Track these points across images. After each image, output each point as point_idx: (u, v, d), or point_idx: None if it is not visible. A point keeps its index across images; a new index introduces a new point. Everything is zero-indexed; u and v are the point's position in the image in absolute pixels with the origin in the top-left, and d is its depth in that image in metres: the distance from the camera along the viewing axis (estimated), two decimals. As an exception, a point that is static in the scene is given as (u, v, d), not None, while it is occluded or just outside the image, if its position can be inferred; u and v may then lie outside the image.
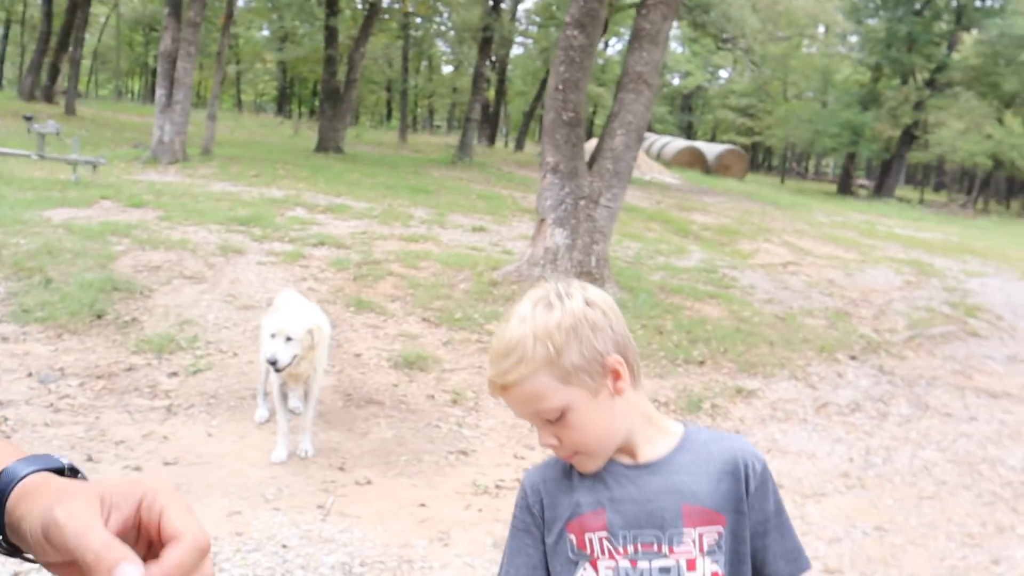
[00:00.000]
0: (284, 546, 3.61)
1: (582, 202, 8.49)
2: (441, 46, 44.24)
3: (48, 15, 30.12)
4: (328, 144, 21.16)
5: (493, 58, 30.58)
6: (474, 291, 8.21)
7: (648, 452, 1.39)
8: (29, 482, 0.78)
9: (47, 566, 0.78)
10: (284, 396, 4.59)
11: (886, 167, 34.05)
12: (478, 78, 24.27)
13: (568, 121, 8.36)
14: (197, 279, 7.55)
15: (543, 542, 1.41)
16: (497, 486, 4.54)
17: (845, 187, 33.98)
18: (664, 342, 7.42)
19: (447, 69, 48.95)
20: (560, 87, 8.31)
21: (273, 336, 4.24)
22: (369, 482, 4.42)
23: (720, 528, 1.35)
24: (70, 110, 23.82)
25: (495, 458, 4.98)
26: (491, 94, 35.58)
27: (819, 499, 4.73)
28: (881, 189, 32.85)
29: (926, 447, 5.75)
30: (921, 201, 34.34)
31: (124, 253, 7.89)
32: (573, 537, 1.36)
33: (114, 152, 16.20)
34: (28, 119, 13.98)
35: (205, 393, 5.40)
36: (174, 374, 5.64)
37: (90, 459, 4.28)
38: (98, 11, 43.44)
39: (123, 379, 5.49)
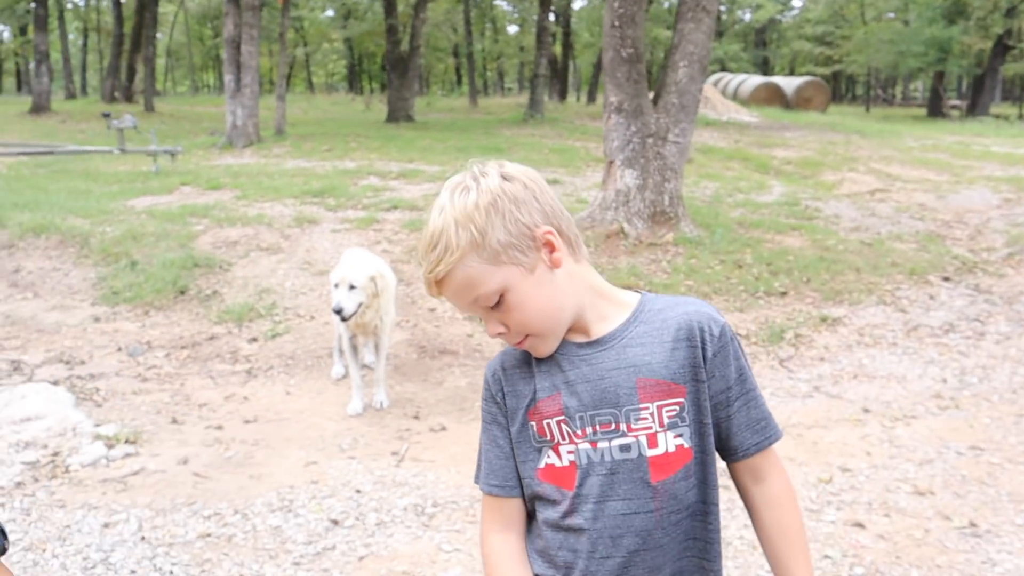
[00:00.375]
0: (358, 491, 3.66)
1: (650, 140, 8.27)
2: (504, 5, 43.81)
3: (119, 18, 31.14)
4: (398, 114, 21.27)
5: (555, 11, 30.09)
6: (546, 241, 8.13)
7: (600, 328, 1.32)
8: None
9: None
10: (355, 349, 4.65)
11: (979, 84, 32.03)
12: (542, 33, 23.89)
13: (628, 58, 8.13)
14: (273, 250, 7.72)
15: (510, 431, 1.36)
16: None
17: (935, 109, 32.14)
18: (743, 275, 7.20)
19: (512, 29, 48.46)
20: (616, 23, 8.08)
21: (336, 286, 4.30)
22: (444, 428, 4.44)
23: (680, 400, 1.28)
24: (148, 107, 24.65)
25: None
26: (558, 49, 35.06)
27: (909, 422, 4.52)
28: (975, 108, 30.94)
29: (1028, 363, 5.42)
30: (1020, 116, 32.27)
31: (203, 232, 8.12)
32: (534, 424, 1.32)
33: (192, 141, 16.70)
34: (106, 116, 14.51)
35: (283, 355, 5.53)
36: (254, 339, 5.80)
37: (175, 421, 4.44)
38: (166, 9, 44.71)
39: (206, 347, 5.67)
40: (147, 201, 9.68)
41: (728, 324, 1.33)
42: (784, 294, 6.87)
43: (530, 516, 1.39)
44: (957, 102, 35.71)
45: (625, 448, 1.27)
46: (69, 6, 42.87)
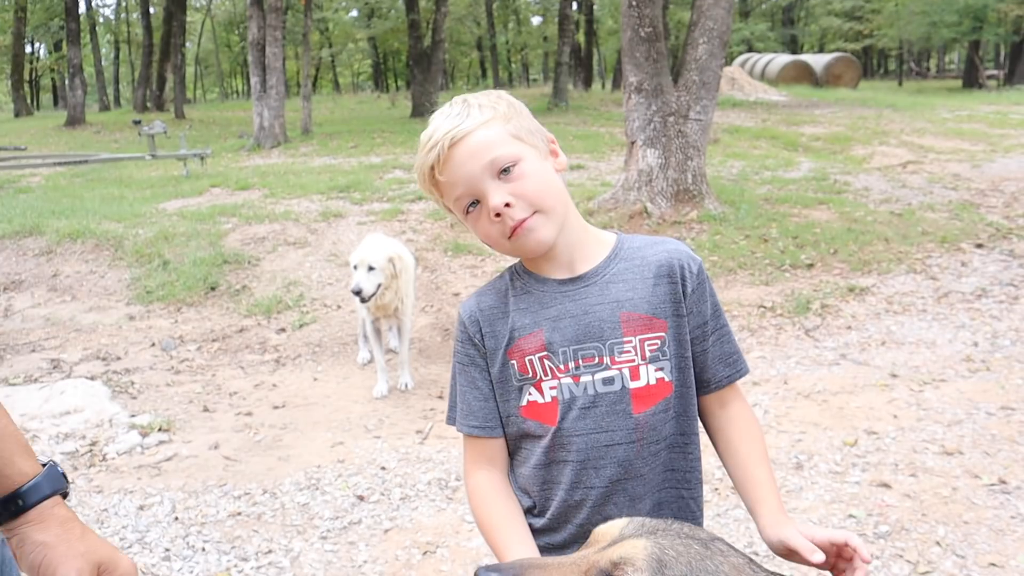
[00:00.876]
0: (383, 468, 3.72)
1: (671, 119, 8.23)
2: (526, -3, 43.70)
3: (148, 29, 31.63)
4: (423, 109, 21.36)
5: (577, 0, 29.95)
6: (569, 225, 8.14)
7: (583, 264, 1.34)
8: (45, 506, 0.92)
9: None
10: (377, 332, 4.71)
11: (1016, 52, 31.22)
12: (564, 21, 23.83)
13: (646, 37, 8.09)
14: (300, 244, 7.82)
15: (489, 372, 1.36)
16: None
17: (971, 80, 31.39)
18: (769, 249, 7.15)
19: (536, 20, 48.36)
20: (633, 3, 8.05)
21: (355, 268, 4.36)
22: (468, 408, 4.49)
23: (662, 334, 1.30)
24: (179, 114, 25.05)
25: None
26: (581, 37, 34.92)
27: (938, 385, 4.46)
28: (1013, 76, 30.16)
29: (1062, 324, 5.32)
30: (1061, 83, 31.43)
31: (232, 230, 8.25)
32: (515, 363, 1.32)
33: (221, 145, 16.94)
34: (137, 123, 14.77)
35: (311, 343, 5.62)
36: (282, 330, 5.89)
37: (206, 409, 4.54)
38: (194, 18, 45.35)
39: (236, 340, 5.77)
40: (178, 203, 9.85)
41: (703, 263, 1.37)
42: (811, 266, 6.81)
43: (511, 454, 1.40)
44: (994, 72, 34.89)
45: (608, 381, 1.28)
46: (100, 20, 43.71)
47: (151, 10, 33.10)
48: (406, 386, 4.72)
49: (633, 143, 8.39)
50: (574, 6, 26.85)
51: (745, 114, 18.70)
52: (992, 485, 3.34)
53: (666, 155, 8.22)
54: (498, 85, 32.29)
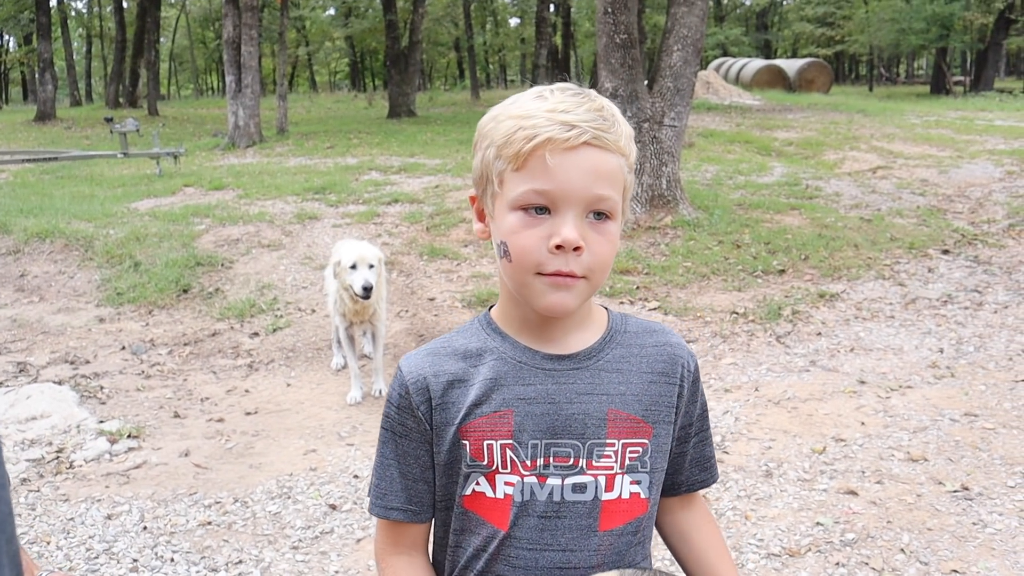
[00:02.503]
0: (356, 476, 3.72)
1: (646, 125, 8.28)
2: (503, -2, 43.72)
3: (121, 23, 31.28)
4: (400, 109, 21.32)
5: (555, 2, 30.03)
6: (545, 228, 8.18)
7: (575, 341, 1.11)
8: None
9: None
10: (351, 339, 4.70)
11: (982, 59, 31.77)
12: (541, 23, 23.93)
13: (621, 43, 8.14)
14: (275, 246, 7.78)
15: (431, 449, 1.12)
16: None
17: (939, 86, 31.91)
18: (741, 255, 7.22)
19: (514, 22, 48.39)
20: (609, 9, 8.09)
21: (355, 267, 4.36)
22: (442, 414, 4.49)
23: (645, 441, 1.10)
24: (152, 111, 24.79)
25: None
26: (558, 40, 35.00)
27: (904, 391, 4.54)
28: (979, 83, 30.69)
29: (1025, 331, 5.43)
30: (1026, 90, 32.04)
31: (205, 231, 8.19)
32: (467, 443, 1.08)
33: (195, 143, 16.79)
34: (108, 121, 14.60)
35: (284, 348, 5.59)
36: (255, 334, 5.86)
37: (177, 415, 4.51)
38: (168, 14, 44.89)
39: (208, 344, 5.73)
40: (150, 203, 9.76)
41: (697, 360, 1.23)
42: (782, 272, 6.89)
43: (438, 541, 1.20)
44: (961, 78, 35.46)
45: (579, 488, 1.07)
46: (72, 13, 43.12)
47: (124, 4, 32.73)
48: (380, 392, 4.71)
49: (608, 148, 8.42)
50: (551, 8, 26.92)
51: (720, 118, 18.84)
52: (955, 492, 3.40)
53: (641, 161, 8.26)
54: (475, 86, 32.24)
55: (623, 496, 1.09)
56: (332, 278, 4.72)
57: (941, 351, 5.16)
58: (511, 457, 1.07)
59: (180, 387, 4.98)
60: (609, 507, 1.08)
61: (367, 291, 4.35)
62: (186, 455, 4.03)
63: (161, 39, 38.32)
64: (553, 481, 1.07)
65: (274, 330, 5.90)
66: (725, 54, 39.16)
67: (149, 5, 27.64)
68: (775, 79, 30.75)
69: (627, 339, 1.14)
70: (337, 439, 4.17)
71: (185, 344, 5.73)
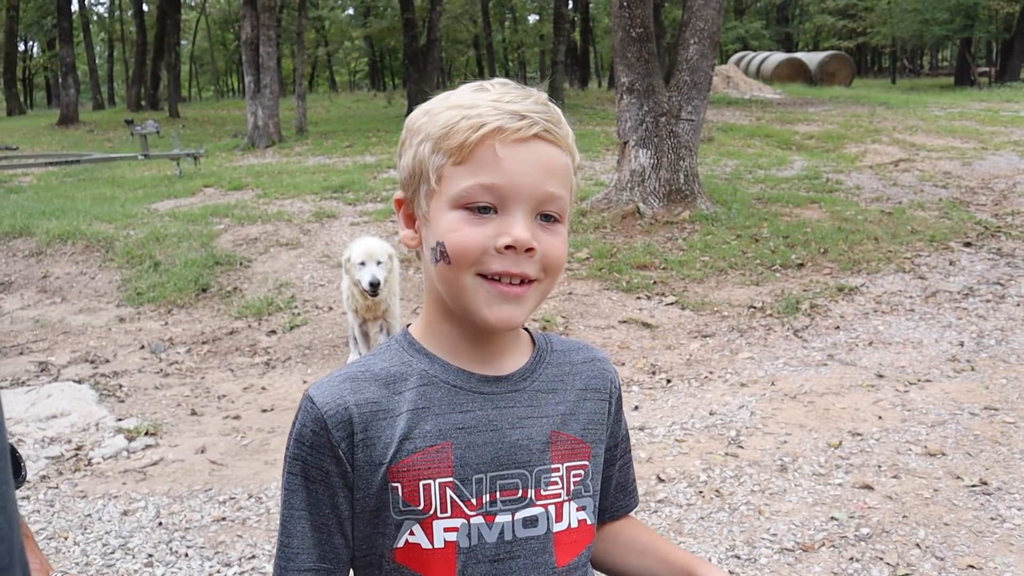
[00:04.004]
0: (369, 471, 3.73)
1: (663, 119, 8.24)
2: (521, -5, 43.68)
3: (142, 27, 31.60)
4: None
5: (573, -2, 29.97)
6: (562, 224, 8.17)
7: (511, 360, 1.01)
8: None
9: None
10: (365, 335, 4.72)
11: (1008, 49, 31.26)
12: (559, 20, 23.83)
13: (637, 37, 8.10)
14: (293, 245, 7.82)
15: (350, 497, 0.97)
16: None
17: (963, 77, 31.44)
18: (760, 249, 7.16)
19: (532, 19, 48.34)
20: (624, 4, 8.05)
21: (364, 264, 4.39)
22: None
23: (586, 462, 1.02)
24: (173, 113, 25.02)
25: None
26: (577, 36, 34.92)
27: (923, 385, 4.48)
28: (1004, 73, 30.17)
29: (1049, 323, 5.34)
30: (1054, 80, 31.51)
31: (224, 231, 8.25)
32: (398, 486, 0.94)
33: (215, 144, 16.93)
34: (129, 123, 14.75)
35: (301, 346, 5.62)
36: (272, 332, 5.90)
37: (194, 413, 4.55)
38: (188, 16, 45.28)
39: (226, 342, 5.78)
40: (170, 204, 9.85)
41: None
42: (801, 266, 6.83)
43: None
44: (986, 69, 34.95)
45: (530, 522, 0.97)
46: (94, 18, 43.61)
47: (145, 8, 33.05)
48: (394, 388, 4.73)
49: (625, 143, 8.40)
50: (570, 4, 26.87)
51: (740, 112, 18.72)
52: (973, 487, 3.36)
53: (658, 155, 8.23)
54: (493, 83, 32.22)
55: (571, 525, 1.00)
56: (346, 275, 4.75)
57: (961, 344, 5.09)
58: (451, 497, 0.94)
59: (198, 385, 5.02)
60: (561, 539, 0.99)
61: (374, 287, 4.38)
62: (202, 452, 4.07)
63: (181, 41, 38.65)
64: (502, 518, 0.95)
65: (291, 328, 5.94)
66: (745, 48, 38.87)
67: (169, 8, 27.90)
68: (796, 72, 30.49)
69: (555, 358, 1.05)
70: (351, 435, 4.20)
71: (203, 343, 5.78)
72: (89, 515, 3.46)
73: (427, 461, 0.94)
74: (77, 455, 4.05)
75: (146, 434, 4.25)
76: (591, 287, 6.49)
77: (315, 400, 0.95)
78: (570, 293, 6.36)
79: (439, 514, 0.94)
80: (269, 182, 10.91)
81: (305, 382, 5.01)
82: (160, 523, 3.38)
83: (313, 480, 0.96)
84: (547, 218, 0.93)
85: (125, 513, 3.46)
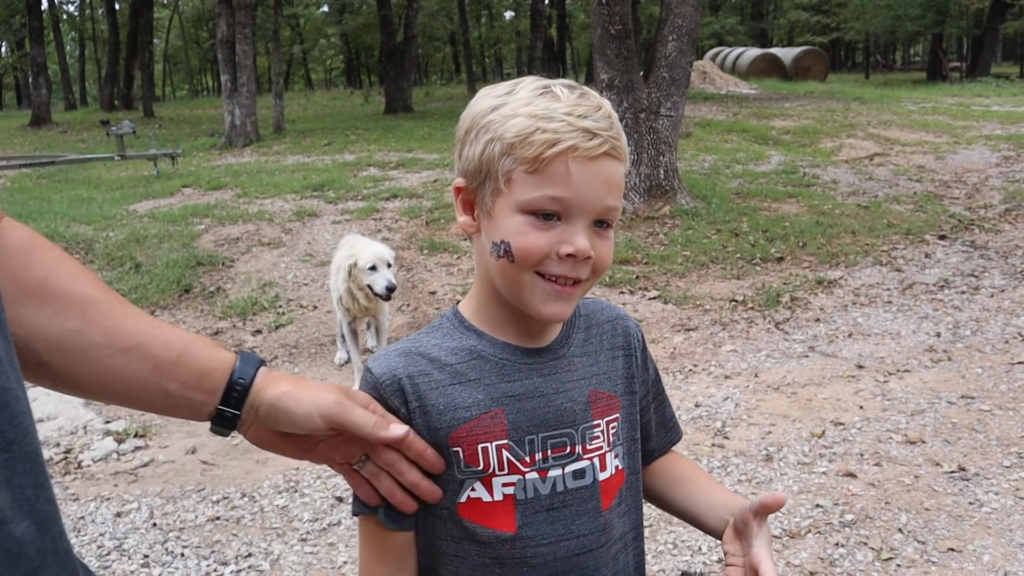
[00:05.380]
0: (361, 468, 3.77)
1: (642, 115, 8.31)
2: (497, -8, 43.70)
3: (114, 25, 31.24)
4: (396, 105, 21.34)
5: (549, -5, 30.01)
6: (544, 220, 8.23)
7: (549, 331, 1.12)
8: (263, 372, 0.93)
9: (284, 444, 0.95)
10: (354, 334, 4.75)
11: (978, 44, 31.74)
12: (536, 16, 23.93)
13: (616, 34, 8.16)
14: (275, 244, 7.82)
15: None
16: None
17: (935, 72, 31.88)
18: (740, 244, 7.26)
19: (509, 15, 48.38)
20: (603, 0, 8.11)
21: (375, 268, 4.42)
22: (444, 407, 4.54)
23: (618, 415, 1.14)
24: (148, 113, 24.79)
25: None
26: (554, 32, 34.99)
27: (902, 375, 4.59)
28: (975, 68, 30.64)
29: (1021, 315, 5.47)
30: (1021, 75, 32.04)
31: (205, 231, 8.22)
32: (459, 451, 1.04)
33: (192, 144, 16.81)
34: (105, 123, 14.61)
35: (287, 345, 5.63)
36: (258, 331, 5.90)
37: (183, 413, 4.55)
38: (161, 14, 44.84)
39: (211, 342, 5.77)
40: (149, 204, 9.79)
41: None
42: (781, 259, 6.93)
43: (432, 553, 1.11)
44: (957, 64, 35.44)
45: (579, 474, 1.08)
46: (64, 17, 43.06)
47: (116, 6, 32.69)
48: (382, 386, 4.76)
49: (604, 140, 8.46)
50: (546, 1, 26.92)
51: (716, 107, 18.86)
52: (952, 473, 3.45)
53: (638, 151, 8.30)
54: (471, 79, 32.24)
55: (611, 472, 1.11)
56: (337, 274, 4.76)
57: (938, 335, 5.21)
58: (507, 457, 1.05)
59: (185, 385, 5.02)
60: (604, 485, 1.10)
61: (390, 291, 4.42)
62: (193, 452, 4.08)
63: (155, 40, 38.28)
64: (554, 472, 1.06)
65: (276, 327, 5.95)
66: (721, 43, 39.14)
67: (142, 6, 27.62)
68: (771, 68, 30.75)
69: (583, 322, 1.16)
70: (342, 433, 4.23)
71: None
72: (82, 517, 3.46)
73: (483, 426, 1.04)
74: (66, 458, 4.05)
75: (135, 436, 4.25)
76: (574, 283, 6.55)
77: (373, 371, 1.07)
78: (554, 289, 6.42)
79: (497, 472, 1.05)
80: (248, 181, 10.86)
81: (293, 381, 5.03)
82: (154, 524, 3.40)
83: None
84: (601, 223, 1.02)
85: (118, 515, 3.47)
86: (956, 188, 9.53)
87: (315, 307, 6.31)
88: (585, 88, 1.04)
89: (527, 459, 1.05)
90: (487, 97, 1.04)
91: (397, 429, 0.87)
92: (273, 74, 18.78)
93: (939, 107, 18.03)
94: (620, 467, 1.13)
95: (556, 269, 1.00)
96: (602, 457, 1.10)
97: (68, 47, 45.99)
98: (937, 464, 3.53)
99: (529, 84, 1.03)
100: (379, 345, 4.88)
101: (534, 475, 1.06)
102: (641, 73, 8.79)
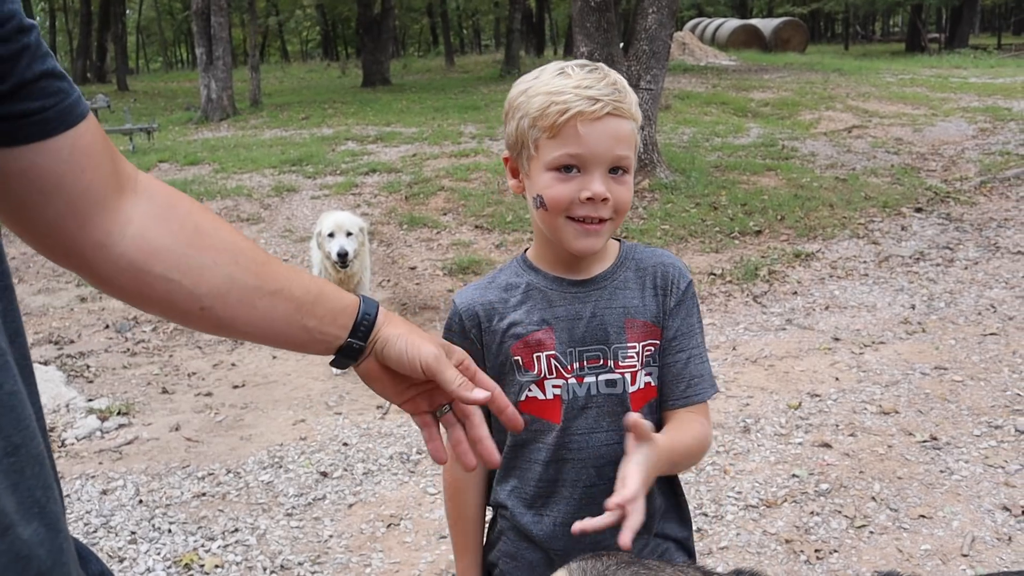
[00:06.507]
0: (345, 444, 3.80)
1: (620, 90, 8.30)
2: (476, -38, 43.11)
3: (87, -6, 30.60)
4: (374, 78, 21.14)
5: (528, -35, 29.69)
6: (523, 196, 8.23)
7: (594, 268, 1.37)
8: (383, 312, 1.01)
9: (385, 382, 1.01)
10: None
11: (957, 15, 31.89)
12: (515, -13, 23.66)
13: (596, 7, 8.13)
14: (254, 220, 7.79)
15: (483, 366, 1.36)
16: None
17: (914, 43, 31.99)
18: (719, 217, 7.31)
19: (486, -14, 47.81)
20: (582, -26, 8.06)
21: (333, 235, 4.44)
22: (427, 382, 4.58)
23: (657, 341, 1.35)
24: (122, 86, 24.43)
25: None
26: (532, 3, 34.67)
27: (877, 347, 4.67)
28: (954, 40, 30.79)
29: (993, 287, 5.57)
30: (999, 46, 32.20)
31: (184, 207, 8.16)
32: (519, 359, 1.34)
33: (167, 118, 16.60)
34: (80, 96, 14.36)
35: (268, 322, 5.63)
36: (239, 309, 5.89)
37: (165, 391, 4.56)
38: (136, -17, 43.90)
39: (192, 319, 5.76)
40: (126, 180, 9.68)
41: (693, 282, 1.41)
42: (759, 233, 6.99)
43: (500, 447, 1.32)
44: (936, 35, 35.54)
45: (611, 383, 1.33)
46: (34, -13, 42.10)
47: (88, -23, 32.00)
48: (365, 362, 4.78)
49: (585, 113, 8.45)
50: (524, -29, 26.60)
51: (696, 79, 18.83)
52: (924, 442, 3.54)
53: (617, 125, 8.30)
54: (449, 52, 31.96)
55: (641, 387, 1.34)
56: (316, 249, 4.77)
57: (913, 307, 5.30)
58: (555, 365, 1.32)
59: (166, 363, 5.02)
60: (634, 396, 1.33)
61: (342, 257, 4.44)
62: (177, 429, 4.09)
63: (127, 11, 37.56)
64: (589, 379, 1.32)
65: (258, 304, 5.94)
66: (700, 14, 38.99)
67: (115, -24, 27.09)
68: (751, 39, 30.68)
69: (633, 263, 1.39)
70: (325, 408, 4.25)
71: (169, 321, 5.76)
72: (68, 496, 3.47)
73: (537, 340, 1.33)
74: (50, 437, 4.05)
75: (119, 414, 4.25)
76: (555, 257, 6.58)
77: (456, 302, 1.40)
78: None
79: (547, 376, 1.33)
80: (226, 156, 10.77)
81: (275, 358, 5.04)
82: (140, 500, 3.42)
83: None
84: (616, 170, 1.26)
85: (104, 492, 3.49)
86: (933, 160, 9.61)
87: (296, 283, 6.31)
88: (599, 65, 1.28)
89: (569, 367, 1.32)
90: (519, 84, 1.31)
91: (480, 393, 0.96)
92: (249, 46, 18.53)
93: (917, 79, 18.10)
94: (652, 384, 1.35)
95: (581, 212, 1.25)
96: (633, 374, 1.33)
97: (38, 18, 45.00)
98: (910, 434, 3.62)
99: (550, 69, 1.29)
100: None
101: (574, 380, 1.33)
102: (621, 45, 8.77)
